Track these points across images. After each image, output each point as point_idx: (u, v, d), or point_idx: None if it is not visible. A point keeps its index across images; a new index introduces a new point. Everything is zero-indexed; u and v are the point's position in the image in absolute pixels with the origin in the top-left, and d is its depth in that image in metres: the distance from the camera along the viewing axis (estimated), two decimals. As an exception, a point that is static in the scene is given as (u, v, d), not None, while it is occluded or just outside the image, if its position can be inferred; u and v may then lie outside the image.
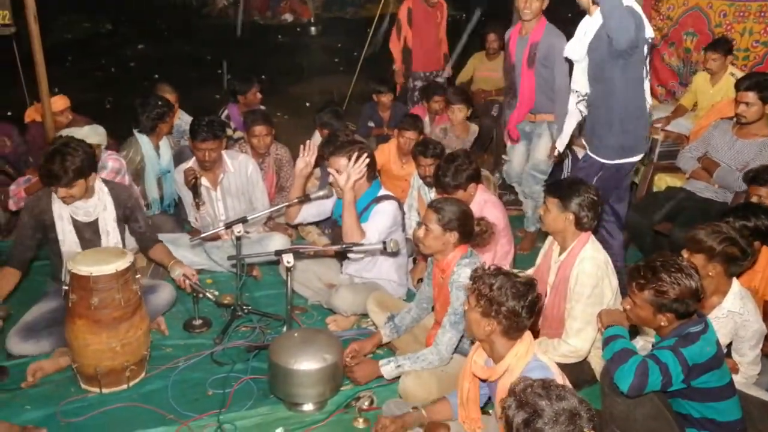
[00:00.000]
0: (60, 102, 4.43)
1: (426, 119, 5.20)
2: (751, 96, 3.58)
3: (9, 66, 4.69)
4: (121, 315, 2.72)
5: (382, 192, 3.37)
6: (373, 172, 3.38)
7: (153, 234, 3.35)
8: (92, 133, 3.70)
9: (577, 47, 3.23)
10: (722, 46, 4.74)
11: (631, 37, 2.89)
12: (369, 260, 3.42)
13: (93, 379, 2.76)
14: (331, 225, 3.87)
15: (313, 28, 13.20)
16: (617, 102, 3.16)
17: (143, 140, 4.13)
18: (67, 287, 2.71)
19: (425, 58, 5.91)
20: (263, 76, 8.65)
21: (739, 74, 4.48)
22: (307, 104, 7.90)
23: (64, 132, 3.77)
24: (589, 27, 3.15)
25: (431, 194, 4.01)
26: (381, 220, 3.23)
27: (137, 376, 2.88)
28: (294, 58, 10.88)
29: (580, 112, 3.46)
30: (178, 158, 4.26)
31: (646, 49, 3.12)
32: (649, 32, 3.09)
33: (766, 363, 2.74)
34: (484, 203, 3.43)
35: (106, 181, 3.22)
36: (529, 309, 2.07)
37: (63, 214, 3.06)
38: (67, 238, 3.08)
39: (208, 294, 3.22)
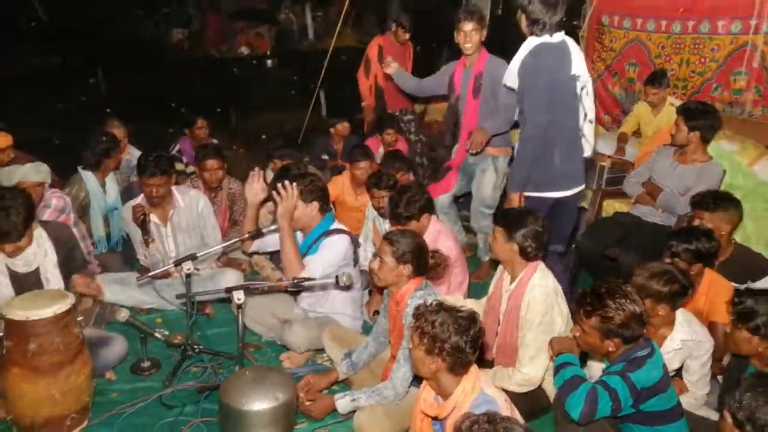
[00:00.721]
0: (1, 140, 4.28)
1: (380, 150, 5.25)
2: (679, 121, 3.74)
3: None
4: (61, 361, 2.60)
5: (335, 225, 3.35)
6: (326, 204, 3.36)
7: (84, 262, 3.27)
8: (34, 171, 3.59)
9: (511, 76, 3.25)
10: (659, 79, 4.97)
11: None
12: (322, 294, 3.38)
13: (30, 430, 2.61)
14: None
15: (269, 61, 13.23)
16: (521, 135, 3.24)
17: (87, 177, 4.03)
18: (0, 334, 2.58)
19: (396, 96, 5.82)
20: (218, 110, 8.64)
21: (678, 103, 4.68)
22: (263, 137, 7.87)
23: (5, 170, 3.65)
24: (516, 59, 3.18)
25: (386, 225, 4.02)
26: (328, 255, 3.20)
27: (79, 425, 2.75)
28: (250, 91, 10.87)
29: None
30: (127, 195, 4.16)
31: (577, 85, 3.16)
32: (577, 70, 3.13)
33: (713, 383, 2.80)
34: (437, 234, 3.45)
35: (43, 223, 3.11)
36: (472, 344, 2.07)
37: (1, 268, 2.92)
38: (1, 293, 2.91)
39: (156, 334, 3.13)
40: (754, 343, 2.23)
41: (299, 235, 3.35)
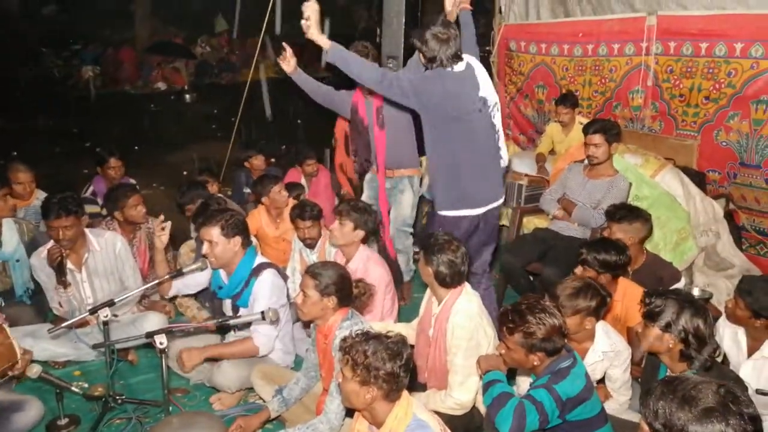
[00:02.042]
0: None
1: (303, 181, 5.26)
2: (597, 138, 3.95)
3: None
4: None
5: (259, 259, 3.29)
6: (247, 238, 3.30)
7: None
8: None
9: None
10: (570, 99, 5.27)
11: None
12: (252, 331, 3.30)
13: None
14: (210, 297, 3.73)
15: (187, 96, 13.00)
16: (431, 161, 3.35)
17: None
18: None
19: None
20: (135, 147, 8.37)
21: (584, 121, 4.96)
22: (184, 173, 7.68)
23: None
24: None
25: (313, 257, 3.99)
26: (267, 296, 3.15)
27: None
28: (168, 127, 10.61)
29: None
30: (33, 246, 3.86)
31: (488, 105, 3.27)
32: (485, 92, 3.24)
33: (635, 386, 2.93)
34: (366, 260, 3.47)
35: None
36: (405, 368, 2.07)
37: None
38: None
39: (74, 387, 2.95)
40: (664, 340, 2.34)
41: (222, 273, 3.27)
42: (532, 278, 4.14)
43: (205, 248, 3.11)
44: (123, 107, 11.73)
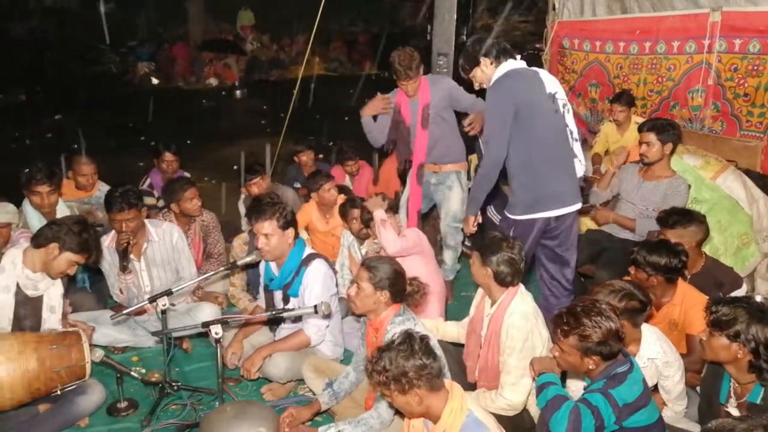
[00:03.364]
0: (-34, 180, 4.20)
1: (347, 180, 5.35)
2: (651, 136, 3.84)
3: None
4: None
5: (308, 250, 3.35)
6: (297, 230, 3.37)
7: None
8: (1, 212, 3.51)
9: None
10: (625, 98, 5.14)
11: None
12: (302, 323, 3.36)
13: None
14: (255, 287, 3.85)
15: (238, 92, 13.26)
16: (509, 160, 3.21)
17: (27, 209, 3.91)
18: None
19: None
20: (188, 141, 8.58)
21: (639, 121, 4.82)
22: (234, 167, 7.83)
23: (-30, 211, 3.57)
24: None
25: (362, 250, 4.03)
26: (320, 286, 3.21)
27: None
28: (219, 122, 10.85)
29: None
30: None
31: (558, 103, 3.18)
32: (552, 88, 3.17)
33: (692, 395, 2.85)
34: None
35: None
36: (427, 354, 2.09)
37: (10, 286, 2.91)
38: (1, 313, 2.91)
39: (132, 373, 3.06)
40: (732, 350, 2.26)
41: (273, 265, 3.34)
42: (583, 280, 4.07)
43: (261, 241, 3.18)
44: (176, 102, 12.05)
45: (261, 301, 3.56)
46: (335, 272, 3.61)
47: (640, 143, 3.91)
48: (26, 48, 12.93)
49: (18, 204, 3.82)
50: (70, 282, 3.99)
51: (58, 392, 2.87)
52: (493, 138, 3.13)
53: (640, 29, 5.37)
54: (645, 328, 2.71)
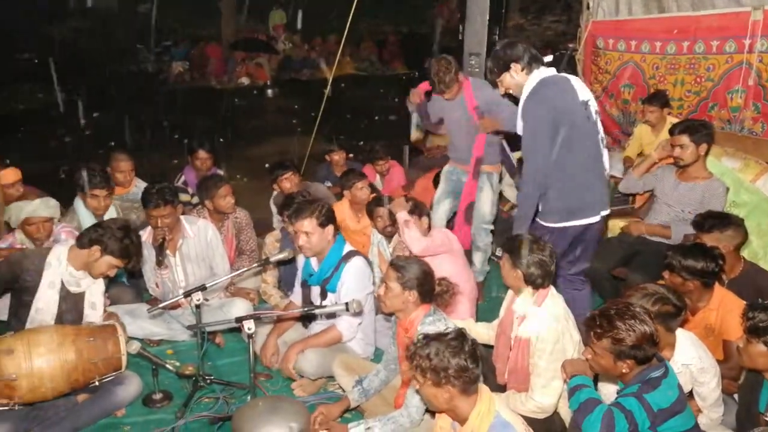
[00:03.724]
0: (11, 174, 4.32)
1: (377, 179, 5.37)
2: (684, 139, 3.78)
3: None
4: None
5: (347, 248, 3.39)
6: (334, 227, 3.40)
7: None
8: (43, 206, 3.63)
9: (520, 124, 3.20)
10: (659, 98, 5.04)
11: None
12: (334, 320, 3.39)
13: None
14: (291, 287, 3.89)
15: (269, 91, 13.40)
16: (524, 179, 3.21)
17: (80, 208, 4.04)
18: None
19: None
20: (221, 140, 8.72)
21: (674, 121, 4.73)
22: (266, 165, 7.92)
23: (13, 206, 3.69)
24: (520, 102, 3.17)
25: (390, 249, 4.05)
26: (355, 281, 3.26)
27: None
28: (251, 121, 10.98)
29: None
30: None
31: (590, 110, 3.17)
32: (584, 95, 3.16)
33: (729, 402, 2.79)
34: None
35: None
36: (472, 359, 2.08)
37: (55, 282, 3.02)
38: (46, 308, 3.02)
39: (168, 365, 3.13)
40: None
41: (313, 261, 3.39)
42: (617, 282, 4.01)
43: (302, 239, 3.23)
44: (209, 101, 12.23)
45: (295, 297, 3.60)
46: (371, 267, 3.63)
47: (673, 146, 3.85)
48: (67, 48, 13.28)
49: (60, 199, 3.93)
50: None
51: (96, 383, 2.95)
52: (534, 149, 3.08)
53: (678, 29, 5.26)
54: (680, 333, 2.66)
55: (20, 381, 2.72)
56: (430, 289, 2.74)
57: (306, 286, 3.45)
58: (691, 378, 2.63)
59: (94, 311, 3.14)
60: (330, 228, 3.29)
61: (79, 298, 3.12)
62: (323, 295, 3.35)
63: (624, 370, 2.23)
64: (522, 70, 3.13)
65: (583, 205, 3.19)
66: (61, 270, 3.04)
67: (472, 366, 2.07)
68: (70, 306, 3.08)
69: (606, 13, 5.98)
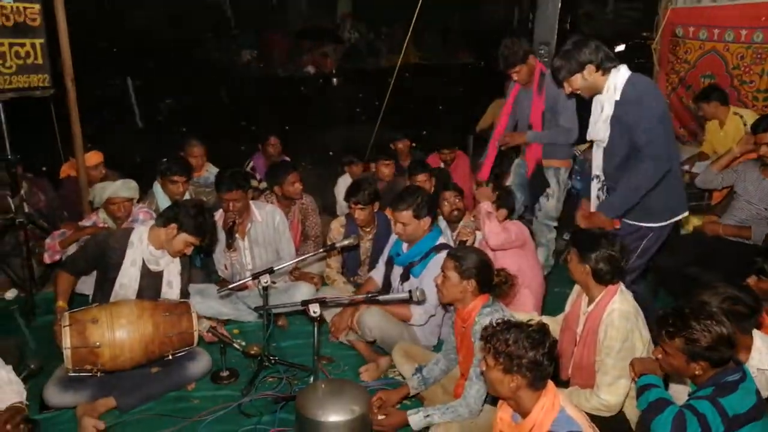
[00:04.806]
0: (94, 157, 4.57)
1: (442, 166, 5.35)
2: (766, 136, 3.57)
3: (45, 124, 4.88)
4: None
5: (442, 239, 3.42)
6: (432, 218, 3.46)
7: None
8: (124, 188, 3.82)
9: (602, 127, 3.09)
10: (716, 96, 4.75)
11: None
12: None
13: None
14: (354, 273, 3.94)
15: (334, 79, 13.53)
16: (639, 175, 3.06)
17: (158, 192, 4.22)
18: None
19: None
20: (286, 127, 8.90)
21: (744, 113, 4.48)
22: (330, 153, 8.05)
23: (97, 186, 3.90)
24: (605, 102, 3.05)
25: (454, 235, 4.04)
26: (433, 275, 3.23)
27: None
28: (316, 109, 11.13)
29: (599, 198, 3.28)
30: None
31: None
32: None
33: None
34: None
35: None
36: (549, 356, 2.04)
37: (137, 260, 3.19)
38: (128, 284, 3.19)
39: (235, 345, 3.24)
40: None
41: (404, 245, 3.46)
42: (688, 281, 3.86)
43: (398, 228, 3.35)
44: (275, 89, 12.48)
45: (376, 273, 3.70)
46: None
47: (758, 144, 3.64)
48: (140, 36, 13.84)
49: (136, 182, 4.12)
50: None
51: (170, 357, 3.10)
52: (656, 138, 2.93)
53: (767, 16, 4.95)
54: (757, 335, 2.54)
55: (103, 349, 2.89)
56: (489, 279, 2.73)
57: (390, 264, 3.51)
58: (766, 383, 2.50)
59: (170, 289, 3.29)
60: (427, 219, 3.36)
61: (158, 276, 3.27)
62: (405, 278, 3.41)
63: (697, 372, 2.15)
64: (596, 71, 3.01)
65: (683, 199, 3.15)
66: (142, 248, 3.20)
67: (547, 363, 2.03)
68: (150, 283, 3.24)
69: (687, 0, 5.70)
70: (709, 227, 3.89)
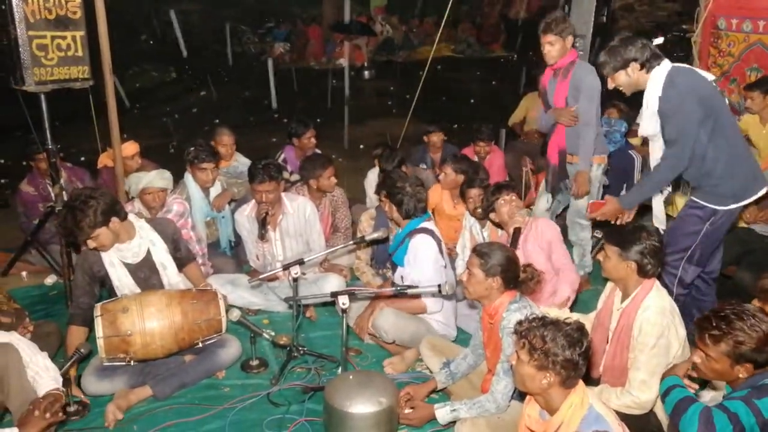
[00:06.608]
0: (130, 147, 4.67)
1: (476, 159, 5.29)
2: None
3: (83, 115, 4.99)
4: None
5: (422, 225, 3.42)
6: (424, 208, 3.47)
7: (190, 254, 3.53)
8: (159, 178, 3.89)
9: (650, 123, 3.10)
10: (760, 85, 4.59)
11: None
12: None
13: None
14: (383, 265, 3.95)
15: (366, 72, 13.53)
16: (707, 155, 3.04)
17: (189, 182, 4.27)
18: None
19: None
20: (318, 120, 8.94)
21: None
22: (361, 146, 8.06)
23: (133, 176, 3.98)
24: (650, 99, 3.04)
25: (484, 233, 4.00)
26: (423, 258, 3.31)
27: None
28: (348, 102, 11.15)
29: (661, 191, 3.32)
30: (236, 204, 4.39)
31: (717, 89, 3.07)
32: (708, 75, 3.06)
33: None
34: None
35: (148, 219, 3.38)
36: (584, 356, 2.01)
37: (113, 261, 3.20)
38: (124, 283, 3.21)
39: (265, 334, 3.28)
40: None
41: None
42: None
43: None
44: (308, 82, 12.54)
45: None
46: (440, 241, 3.57)
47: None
48: (178, 29, 14.06)
49: (170, 172, 4.19)
50: (214, 246, 4.38)
51: (200, 344, 3.16)
52: (683, 136, 2.93)
53: (817, 6, 4.77)
54: None
55: (135, 337, 2.96)
56: (515, 276, 2.70)
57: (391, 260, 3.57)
58: None
59: (166, 270, 3.29)
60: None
61: (146, 264, 3.27)
62: (393, 268, 3.46)
63: (741, 375, 2.09)
64: (641, 69, 3.02)
65: (754, 180, 3.08)
66: (111, 251, 3.18)
67: (580, 362, 2.01)
68: (146, 273, 3.26)
69: (729, -9, 5.51)
70: (748, 211, 3.74)
